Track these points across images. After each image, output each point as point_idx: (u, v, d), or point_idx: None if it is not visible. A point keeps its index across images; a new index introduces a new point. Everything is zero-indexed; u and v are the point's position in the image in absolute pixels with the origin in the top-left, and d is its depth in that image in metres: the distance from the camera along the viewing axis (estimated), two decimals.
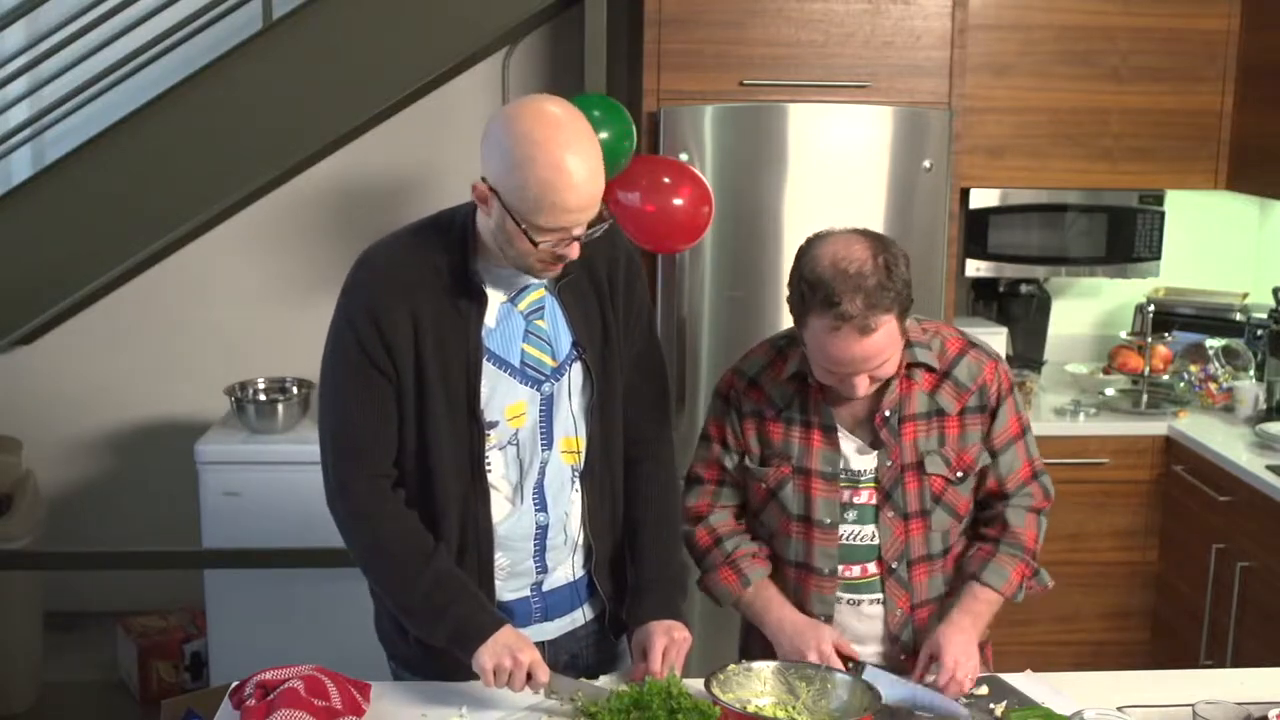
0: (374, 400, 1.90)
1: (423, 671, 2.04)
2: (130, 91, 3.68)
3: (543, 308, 1.98)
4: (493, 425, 1.94)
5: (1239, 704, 1.85)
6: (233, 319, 4.22)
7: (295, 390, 3.85)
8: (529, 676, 1.87)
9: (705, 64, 3.45)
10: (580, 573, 2.08)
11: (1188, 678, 2.13)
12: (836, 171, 3.43)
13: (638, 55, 3.54)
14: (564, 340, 1.99)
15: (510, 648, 1.87)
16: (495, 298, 1.94)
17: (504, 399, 1.94)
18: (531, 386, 1.96)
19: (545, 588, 2.05)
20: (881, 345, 1.92)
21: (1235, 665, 3.28)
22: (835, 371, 1.96)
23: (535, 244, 1.81)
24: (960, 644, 1.99)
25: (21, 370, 4.20)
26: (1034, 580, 2.14)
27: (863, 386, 1.97)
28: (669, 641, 1.96)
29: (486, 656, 1.86)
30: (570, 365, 1.99)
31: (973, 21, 3.57)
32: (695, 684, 1.90)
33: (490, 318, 1.94)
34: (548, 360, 1.97)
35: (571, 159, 1.77)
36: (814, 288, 1.90)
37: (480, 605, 1.93)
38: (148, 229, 3.68)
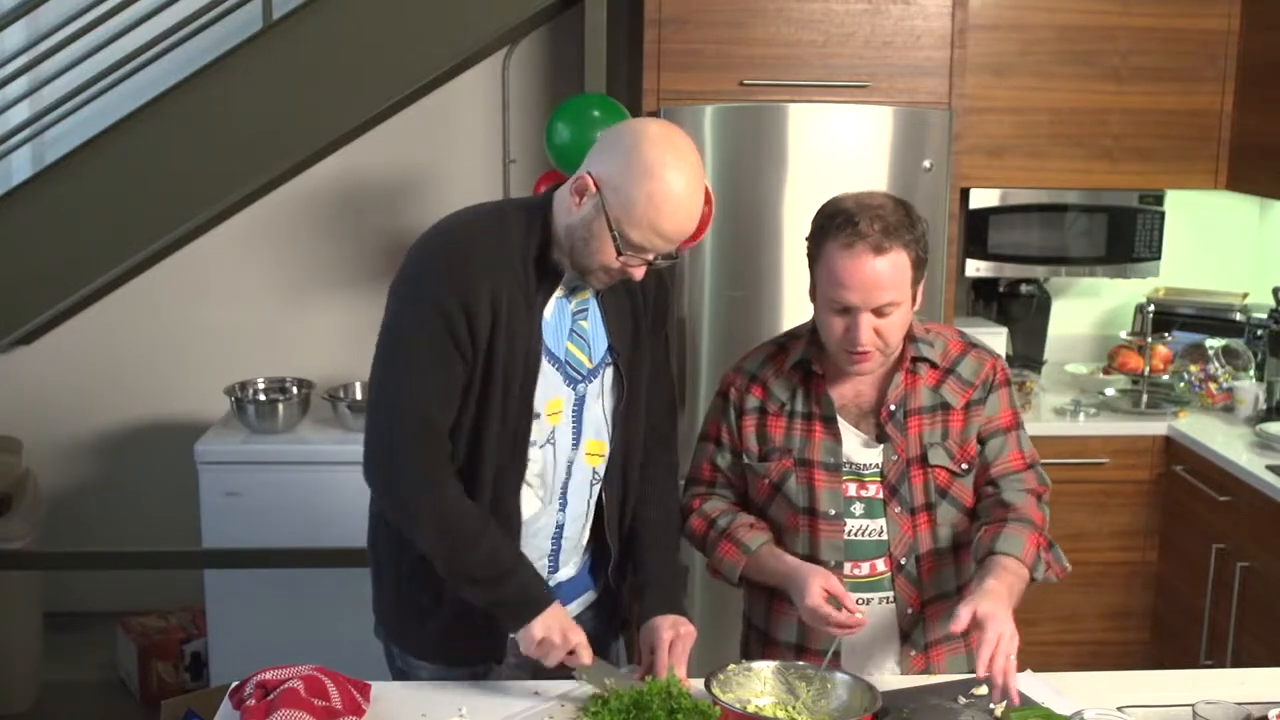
0: (450, 380, 1.90)
1: (428, 654, 2.06)
2: (130, 91, 3.68)
3: (587, 309, 2.01)
4: (536, 417, 1.96)
5: (1239, 704, 1.85)
6: (233, 319, 4.22)
7: (295, 390, 3.85)
8: (570, 654, 1.92)
9: (705, 64, 3.45)
10: (583, 564, 2.12)
11: (1188, 678, 2.14)
12: (836, 171, 3.42)
13: (638, 55, 3.54)
14: (600, 343, 2.02)
15: (563, 626, 1.92)
16: (557, 291, 1.97)
17: (546, 393, 1.96)
18: (569, 384, 1.99)
19: (551, 583, 2.06)
20: (890, 277, 1.94)
21: (1235, 665, 3.28)
22: (845, 304, 1.96)
23: (619, 253, 1.84)
24: (1002, 615, 1.87)
25: (21, 370, 4.20)
26: (1051, 555, 2.09)
27: (866, 334, 1.96)
28: (675, 636, 1.98)
29: (539, 628, 1.91)
30: (604, 368, 2.03)
31: (973, 21, 3.57)
32: (695, 684, 1.90)
33: (548, 310, 1.96)
34: (585, 360, 2.01)
35: (689, 193, 1.83)
36: (834, 215, 1.97)
37: (538, 577, 1.96)
38: (148, 229, 3.68)
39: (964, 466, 2.09)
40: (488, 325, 1.88)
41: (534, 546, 2.02)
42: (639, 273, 1.90)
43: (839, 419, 2.08)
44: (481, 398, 1.91)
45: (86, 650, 4.14)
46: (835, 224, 1.95)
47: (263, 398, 3.81)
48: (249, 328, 4.22)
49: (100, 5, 3.57)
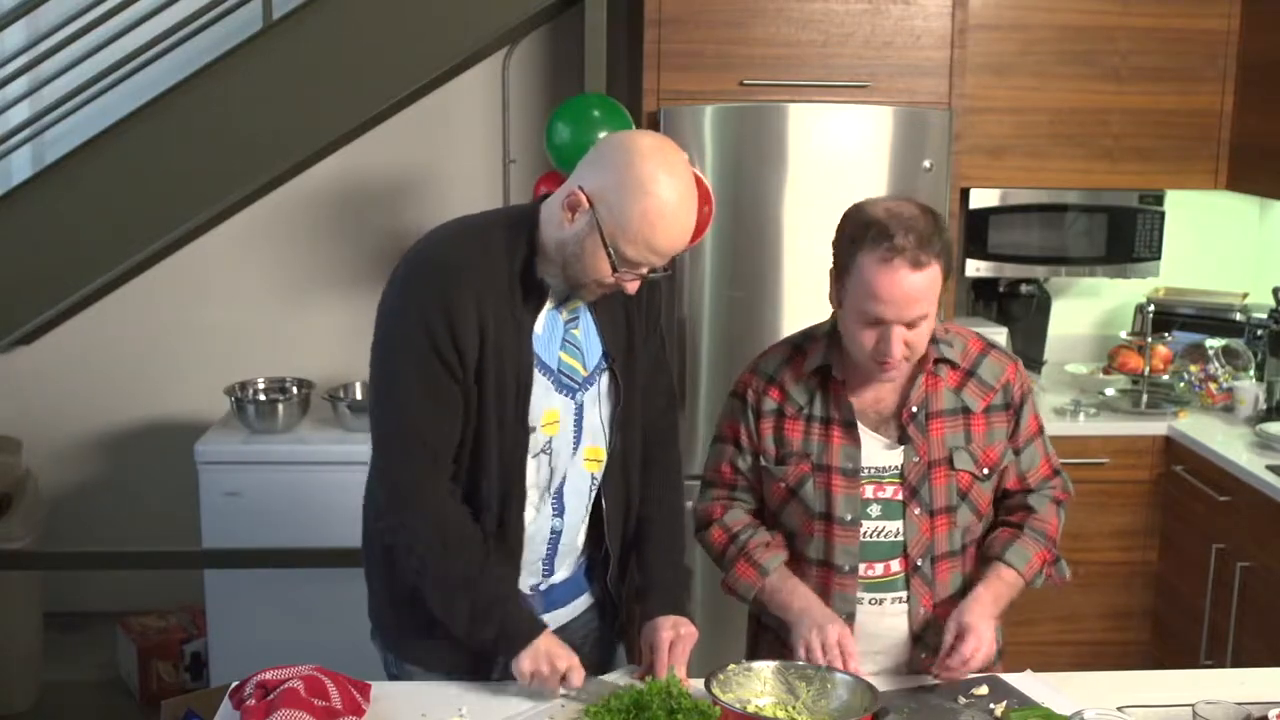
0: (446, 402, 1.89)
1: (425, 662, 2.05)
2: (130, 91, 3.68)
3: (578, 317, 2.00)
4: (531, 431, 1.95)
5: (1239, 704, 1.85)
6: (233, 319, 4.22)
7: (295, 390, 3.85)
8: (563, 679, 1.91)
9: (705, 64, 3.45)
10: (579, 565, 2.11)
11: (1188, 678, 2.14)
12: (836, 171, 3.43)
13: (638, 55, 3.54)
14: (595, 350, 2.01)
15: (550, 655, 1.91)
16: (546, 304, 1.96)
17: (542, 405, 1.95)
18: (565, 395, 1.98)
19: (543, 587, 2.07)
20: (926, 290, 1.91)
21: (1235, 665, 3.28)
22: (878, 317, 1.93)
23: (615, 269, 1.83)
24: (984, 629, 1.99)
25: (21, 370, 4.20)
26: (1054, 569, 2.14)
27: (898, 347, 1.94)
28: (675, 637, 1.98)
29: (527, 661, 1.90)
30: (600, 374, 2.02)
31: (973, 21, 3.57)
32: (695, 684, 1.90)
33: (539, 324, 1.95)
34: (580, 369, 1.99)
35: (683, 208, 1.82)
36: (867, 227, 1.92)
37: (523, 609, 1.96)
38: (148, 229, 3.68)
39: (985, 471, 2.09)
40: (476, 346, 1.87)
41: (529, 551, 2.02)
42: (632, 286, 1.89)
43: (859, 424, 2.08)
44: (478, 418, 1.90)
45: (86, 650, 4.14)
46: (869, 236, 1.90)
47: (263, 398, 3.81)
48: (249, 328, 4.22)
49: (100, 5, 3.57)
